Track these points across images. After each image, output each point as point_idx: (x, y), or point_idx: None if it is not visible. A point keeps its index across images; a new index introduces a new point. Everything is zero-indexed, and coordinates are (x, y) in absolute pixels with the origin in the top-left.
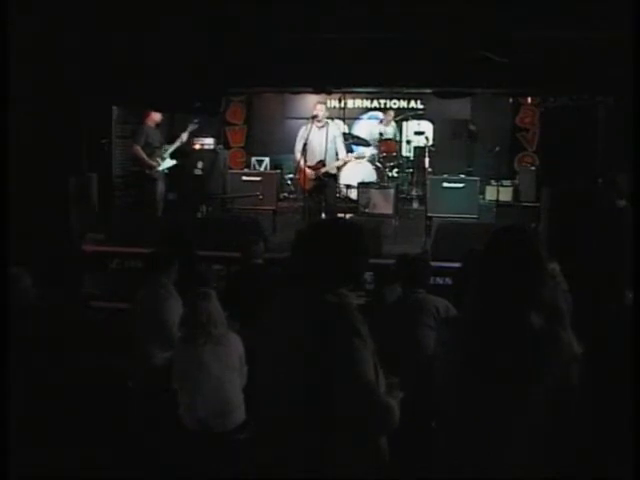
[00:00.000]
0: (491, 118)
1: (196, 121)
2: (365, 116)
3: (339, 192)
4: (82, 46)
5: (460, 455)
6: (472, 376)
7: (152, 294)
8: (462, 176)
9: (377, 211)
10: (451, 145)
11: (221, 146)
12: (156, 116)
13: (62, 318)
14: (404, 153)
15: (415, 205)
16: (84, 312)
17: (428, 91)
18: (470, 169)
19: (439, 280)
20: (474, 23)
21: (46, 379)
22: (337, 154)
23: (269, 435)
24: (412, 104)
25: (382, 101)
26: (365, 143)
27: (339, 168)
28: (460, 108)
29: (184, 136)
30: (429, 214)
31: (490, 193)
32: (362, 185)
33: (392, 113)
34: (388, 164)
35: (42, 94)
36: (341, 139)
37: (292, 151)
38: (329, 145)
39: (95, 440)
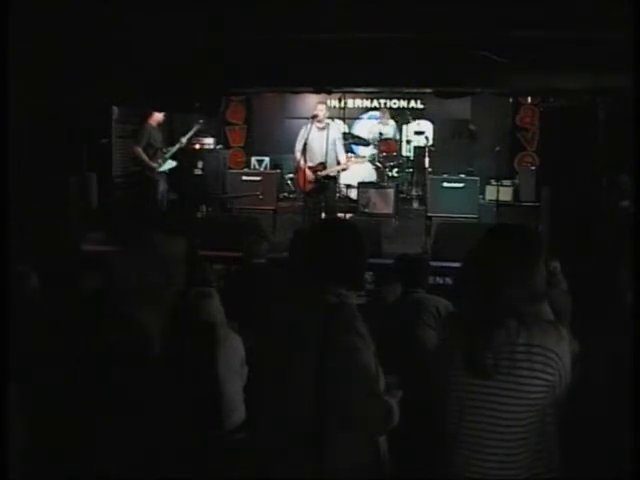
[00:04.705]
0: (491, 118)
1: (201, 121)
2: (365, 116)
3: (339, 192)
4: (82, 46)
5: (461, 455)
6: (472, 376)
7: None
8: (462, 176)
9: (377, 211)
10: (451, 145)
11: (221, 146)
12: (158, 116)
13: (62, 318)
14: (404, 153)
15: (415, 205)
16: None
17: (428, 91)
18: (470, 169)
19: (439, 280)
20: (474, 23)
21: (46, 380)
22: (337, 157)
23: (269, 435)
24: (412, 104)
25: (382, 101)
26: (365, 143)
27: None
28: (460, 108)
29: (183, 140)
30: (429, 214)
31: (490, 193)
32: (362, 185)
33: (387, 111)
34: (388, 164)
35: (42, 94)
36: (341, 142)
37: (292, 151)
38: (329, 147)
39: (94, 441)
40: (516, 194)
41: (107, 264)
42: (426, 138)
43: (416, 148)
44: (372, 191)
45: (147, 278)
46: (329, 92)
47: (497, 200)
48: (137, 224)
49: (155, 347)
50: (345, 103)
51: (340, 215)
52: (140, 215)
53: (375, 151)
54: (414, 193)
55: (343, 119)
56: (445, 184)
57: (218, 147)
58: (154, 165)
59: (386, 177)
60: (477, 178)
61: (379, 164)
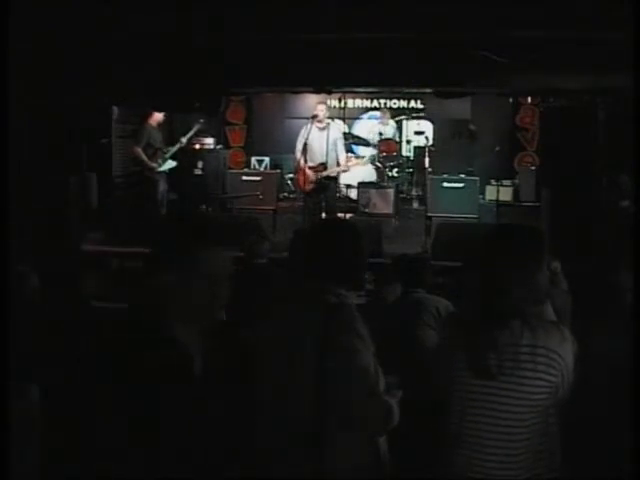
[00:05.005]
0: (491, 118)
1: (202, 121)
2: (365, 116)
3: (339, 192)
4: (82, 46)
5: (462, 455)
6: (474, 376)
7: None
8: (462, 176)
9: (377, 211)
10: (451, 145)
11: (221, 146)
12: (158, 116)
13: (62, 318)
14: (404, 153)
15: (415, 205)
16: (84, 312)
17: (428, 91)
18: (470, 169)
19: (439, 280)
20: (474, 23)
21: (45, 380)
22: (338, 157)
23: (269, 435)
24: (412, 104)
25: (382, 101)
26: (365, 143)
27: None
28: (460, 108)
29: (183, 140)
30: (429, 214)
31: (490, 193)
32: (362, 185)
33: (387, 111)
34: (388, 164)
35: (42, 94)
36: (342, 142)
37: (292, 151)
38: (330, 147)
39: (93, 444)
40: (516, 194)
41: (152, 283)
42: (426, 138)
43: (416, 148)
44: (372, 191)
45: (193, 297)
46: (329, 92)
47: (497, 200)
48: (183, 240)
49: (198, 366)
50: (345, 103)
51: (340, 215)
52: (139, 215)
53: (375, 151)
54: (414, 193)
55: (343, 119)
56: (445, 184)
57: (218, 147)
58: (154, 165)
59: (386, 177)
60: (477, 178)
61: (379, 164)
